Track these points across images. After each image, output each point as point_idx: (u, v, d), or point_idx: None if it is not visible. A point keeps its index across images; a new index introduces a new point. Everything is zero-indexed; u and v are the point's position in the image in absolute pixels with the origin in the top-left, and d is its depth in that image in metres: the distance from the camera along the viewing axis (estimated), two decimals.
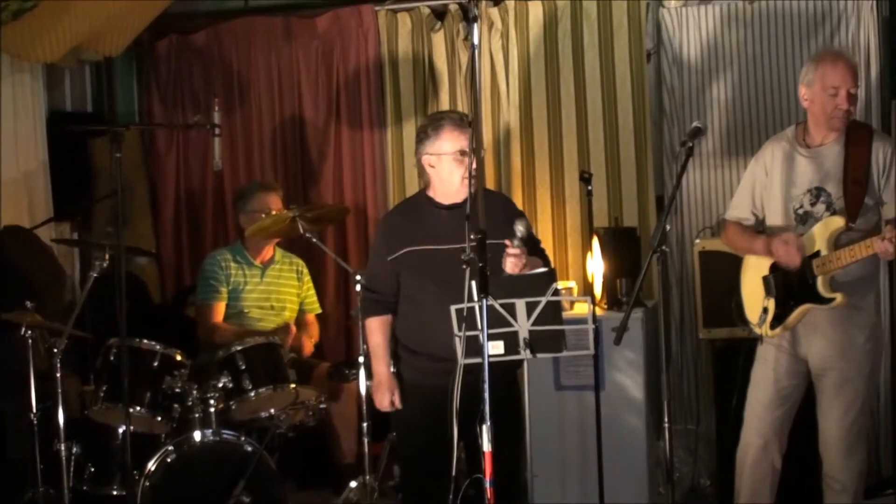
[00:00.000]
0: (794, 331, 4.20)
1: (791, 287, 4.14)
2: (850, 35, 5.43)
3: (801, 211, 4.17)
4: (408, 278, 4.03)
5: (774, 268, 4.19)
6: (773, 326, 4.19)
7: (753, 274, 4.32)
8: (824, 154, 4.16)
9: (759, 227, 4.37)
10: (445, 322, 3.47)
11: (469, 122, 3.96)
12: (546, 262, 4.05)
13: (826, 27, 5.46)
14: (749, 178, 4.37)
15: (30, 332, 4.72)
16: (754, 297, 4.29)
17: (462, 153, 3.91)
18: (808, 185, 4.16)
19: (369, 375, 4.37)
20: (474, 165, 3.59)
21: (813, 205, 4.15)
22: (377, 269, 4.14)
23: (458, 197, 3.95)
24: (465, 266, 3.30)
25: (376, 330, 4.13)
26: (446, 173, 3.98)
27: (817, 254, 4.07)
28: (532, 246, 3.93)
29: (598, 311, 5.35)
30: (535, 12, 5.92)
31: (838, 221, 4.05)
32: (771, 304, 4.20)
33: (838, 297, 4.05)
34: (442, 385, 3.64)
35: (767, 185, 4.28)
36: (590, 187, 5.36)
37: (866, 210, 4.09)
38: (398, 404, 4.07)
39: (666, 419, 3.95)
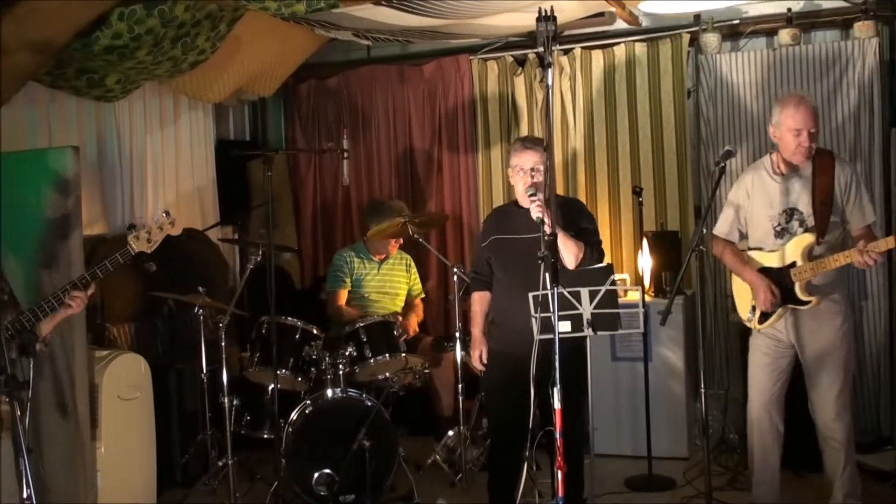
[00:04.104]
0: (781, 323, 4.03)
1: None
2: (857, 74, 5.23)
3: (778, 228, 4.01)
4: (493, 261, 4.04)
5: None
6: (761, 321, 4.05)
7: None
8: (794, 180, 3.99)
9: (743, 240, 4.21)
10: (518, 299, 3.46)
11: (536, 144, 3.92)
12: (589, 243, 3.84)
13: (836, 68, 5.27)
14: (733, 202, 4.17)
15: (201, 310, 4.80)
16: (744, 297, 4.14)
17: (521, 170, 3.90)
18: (784, 206, 3.99)
19: (464, 347, 4.34)
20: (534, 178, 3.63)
21: (788, 222, 3.98)
22: (477, 255, 4.21)
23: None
24: (540, 261, 3.21)
25: (476, 302, 4.17)
26: (517, 183, 3.99)
27: (793, 264, 3.93)
28: (578, 230, 3.82)
29: (647, 298, 5.30)
30: (597, 59, 5.86)
31: (809, 238, 3.91)
32: None
33: (813, 300, 3.91)
34: (516, 353, 3.66)
35: (749, 206, 4.10)
36: (640, 199, 5.33)
37: (833, 227, 3.93)
38: (485, 359, 4.06)
39: (702, 385, 3.86)
